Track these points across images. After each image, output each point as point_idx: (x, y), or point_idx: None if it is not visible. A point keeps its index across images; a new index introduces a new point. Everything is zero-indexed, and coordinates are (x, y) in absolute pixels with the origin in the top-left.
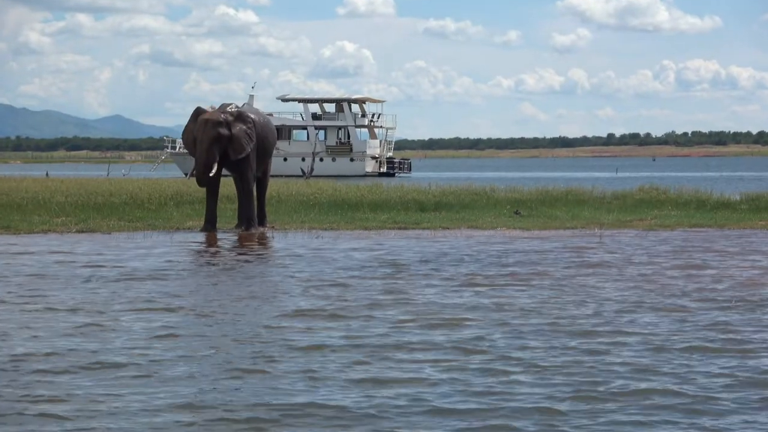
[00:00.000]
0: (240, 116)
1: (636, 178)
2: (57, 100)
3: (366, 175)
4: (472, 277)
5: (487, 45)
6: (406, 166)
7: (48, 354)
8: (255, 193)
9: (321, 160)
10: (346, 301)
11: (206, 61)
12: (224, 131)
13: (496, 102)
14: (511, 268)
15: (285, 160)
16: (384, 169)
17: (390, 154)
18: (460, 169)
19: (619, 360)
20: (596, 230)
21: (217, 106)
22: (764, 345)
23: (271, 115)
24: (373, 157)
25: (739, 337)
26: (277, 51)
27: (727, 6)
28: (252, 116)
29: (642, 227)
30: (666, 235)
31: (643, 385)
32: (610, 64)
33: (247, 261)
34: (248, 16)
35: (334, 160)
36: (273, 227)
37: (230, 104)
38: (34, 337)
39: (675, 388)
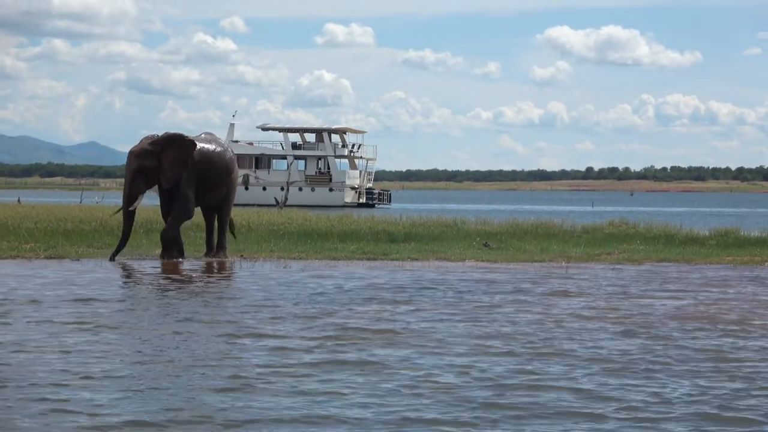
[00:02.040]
0: (172, 141)
1: (611, 212)
2: (32, 125)
3: (345, 206)
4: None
5: (466, 77)
6: (386, 197)
7: None
8: (215, 221)
9: (300, 189)
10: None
11: (183, 89)
12: (148, 162)
13: (474, 134)
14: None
15: (264, 189)
16: (363, 200)
17: (370, 184)
18: (439, 200)
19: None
20: (563, 263)
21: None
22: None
23: (250, 144)
24: (353, 188)
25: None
26: (255, 79)
27: (707, 41)
28: (191, 141)
29: (609, 261)
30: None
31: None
32: (590, 98)
33: (188, 285)
34: (226, 44)
35: (313, 190)
36: (242, 256)
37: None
38: None
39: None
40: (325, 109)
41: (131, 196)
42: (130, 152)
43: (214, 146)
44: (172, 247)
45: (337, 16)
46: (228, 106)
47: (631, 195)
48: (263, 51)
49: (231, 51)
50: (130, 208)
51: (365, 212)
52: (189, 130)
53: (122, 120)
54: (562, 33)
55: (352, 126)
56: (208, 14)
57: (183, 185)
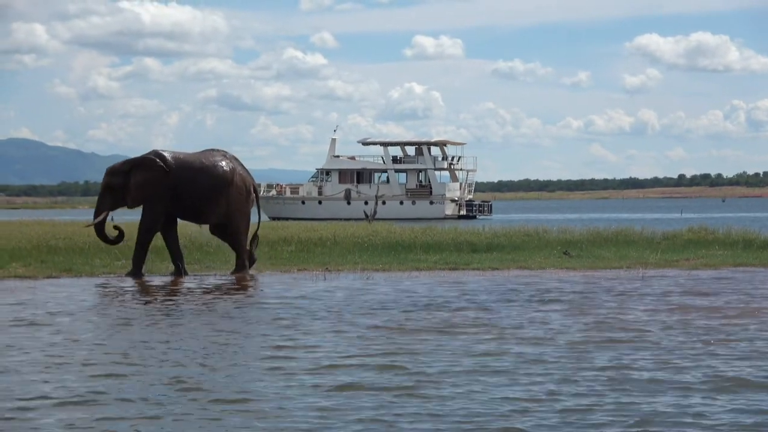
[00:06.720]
0: (141, 164)
1: (699, 219)
2: (125, 144)
3: (446, 218)
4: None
5: (556, 86)
6: (486, 208)
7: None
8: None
9: (401, 203)
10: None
11: (274, 105)
12: (116, 180)
13: (565, 143)
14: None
15: (366, 203)
16: (464, 212)
17: (470, 196)
18: (537, 210)
19: None
20: (640, 270)
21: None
22: None
23: (352, 158)
24: (453, 200)
25: None
26: (345, 94)
27: None
28: (167, 162)
29: (687, 267)
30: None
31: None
32: (681, 105)
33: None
34: (316, 59)
35: (413, 203)
36: (327, 268)
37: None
38: None
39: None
40: (416, 121)
41: (96, 212)
42: (106, 169)
43: (202, 161)
44: (138, 264)
45: (426, 28)
46: (319, 121)
47: (723, 201)
48: (353, 65)
49: (321, 66)
50: (94, 223)
51: (449, 224)
52: (281, 146)
53: (214, 137)
54: (652, 40)
55: (444, 137)
56: (298, 30)
57: (152, 207)
